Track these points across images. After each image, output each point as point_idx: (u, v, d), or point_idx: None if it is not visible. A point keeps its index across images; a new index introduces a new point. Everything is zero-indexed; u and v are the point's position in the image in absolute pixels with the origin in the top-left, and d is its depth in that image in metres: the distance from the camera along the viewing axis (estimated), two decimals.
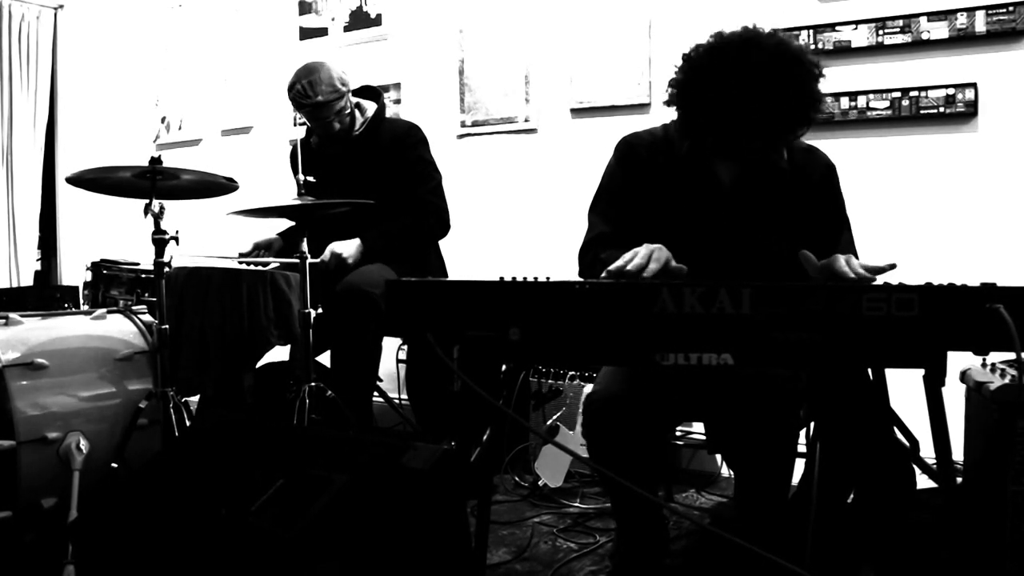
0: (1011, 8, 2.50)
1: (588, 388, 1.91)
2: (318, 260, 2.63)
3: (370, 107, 2.90)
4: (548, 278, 1.32)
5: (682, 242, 1.73)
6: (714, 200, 1.79)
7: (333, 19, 3.92)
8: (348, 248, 2.69)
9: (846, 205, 1.88)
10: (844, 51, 2.75)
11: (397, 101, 3.71)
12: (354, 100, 2.85)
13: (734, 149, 1.69)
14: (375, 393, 2.83)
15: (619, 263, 1.50)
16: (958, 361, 1.58)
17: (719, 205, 1.79)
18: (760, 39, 1.58)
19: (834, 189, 1.86)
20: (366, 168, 2.81)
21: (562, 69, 3.32)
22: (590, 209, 1.88)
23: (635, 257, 1.51)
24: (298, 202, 2.40)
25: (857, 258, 1.79)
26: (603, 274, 1.51)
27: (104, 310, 2.41)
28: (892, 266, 1.47)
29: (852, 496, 1.77)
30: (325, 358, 2.80)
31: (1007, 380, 1.71)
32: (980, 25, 2.55)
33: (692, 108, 1.66)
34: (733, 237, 1.78)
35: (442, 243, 2.96)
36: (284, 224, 3.03)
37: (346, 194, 2.67)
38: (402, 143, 2.82)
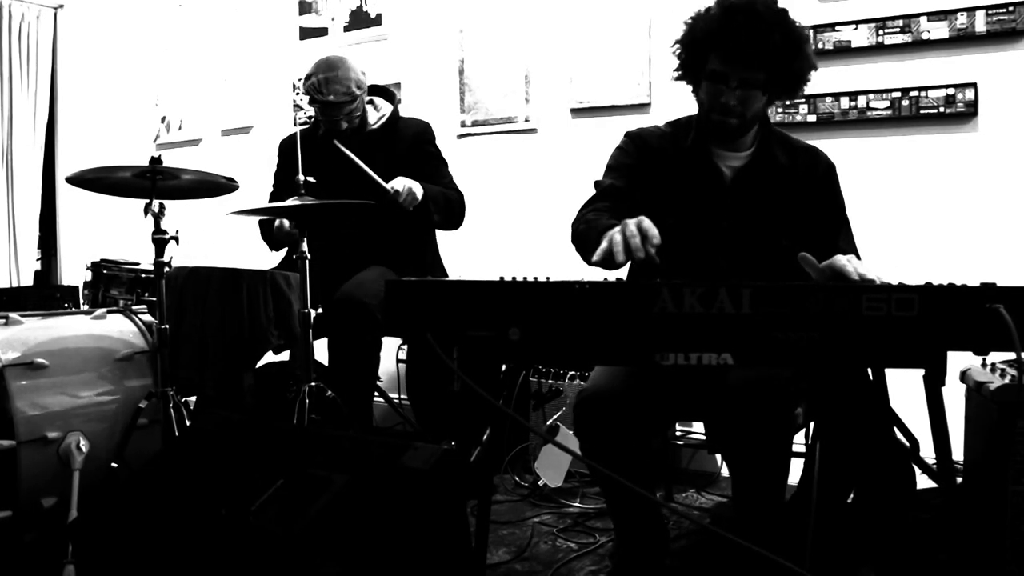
0: (1011, 8, 2.50)
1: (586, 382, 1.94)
2: (388, 187, 2.55)
3: (385, 105, 2.93)
4: (548, 278, 1.32)
5: (683, 233, 1.77)
6: (715, 193, 1.83)
7: (333, 19, 3.92)
8: (415, 185, 2.63)
9: (846, 205, 1.90)
10: (844, 51, 2.75)
11: (397, 101, 3.71)
12: (367, 98, 2.87)
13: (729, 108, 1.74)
14: (375, 394, 2.83)
15: (601, 251, 1.49)
16: (958, 361, 1.58)
17: (720, 198, 1.83)
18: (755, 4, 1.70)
19: (834, 188, 1.89)
20: (385, 163, 2.81)
21: (562, 69, 3.32)
22: (595, 182, 1.91)
23: (612, 244, 1.48)
24: (298, 202, 2.40)
25: (859, 257, 1.80)
26: (595, 257, 1.50)
27: (104, 310, 2.41)
28: (873, 282, 1.46)
29: (852, 496, 1.76)
30: (325, 358, 2.80)
31: (1007, 380, 1.71)
32: (980, 25, 2.55)
33: (694, 61, 1.78)
34: (733, 230, 1.81)
35: (442, 242, 2.97)
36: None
37: (362, 189, 2.64)
38: (423, 138, 2.87)
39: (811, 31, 2.78)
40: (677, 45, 1.81)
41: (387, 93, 2.99)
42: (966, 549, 1.72)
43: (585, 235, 1.68)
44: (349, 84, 2.71)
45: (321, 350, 2.69)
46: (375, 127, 2.87)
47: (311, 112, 2.82)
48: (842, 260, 1.52)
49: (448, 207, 2.79)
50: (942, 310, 1.24)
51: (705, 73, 1.76)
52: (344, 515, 1.42)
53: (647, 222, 1.50)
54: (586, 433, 1.68)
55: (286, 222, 2.72)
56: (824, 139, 1.97)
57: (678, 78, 1.85)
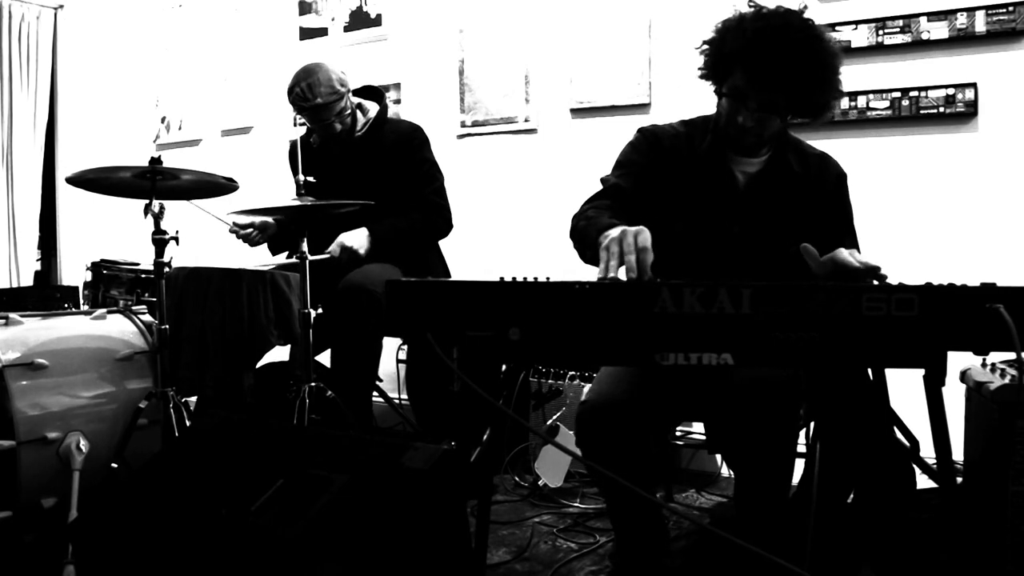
0: (1011, 8, 2.50)
1: (588, 388, 1.92)
2: (326, 255, 2.63)
3: (372, 108, 2.90)
4: (548, 278, 1.32)
5: (692, 237, 1.77)
6: (728, 198, 1.82)
7: (333, 19, 3.92)
8: (358, 239, 2.68)
9: (853, 212, 1.89)
10: (844, 51, 2.74)
11: (397, 101, 3.71)
12: (355, 100, 2.85)
13: (759, 113, 1.71)
14: (375, 393, 2.83)
15: (600, 270, 1.46)
16: (958, 361, 1.58)
17: (733, 204, 1.81)
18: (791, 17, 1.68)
19: (843, 198, 1.88)
20: (369, 168, 2.81)
21: (562, 69, 3.32)
22: (602, 179, 1.87)
23: (609, 258, 1.45)
24: (298, 202, 2.40)
25: None
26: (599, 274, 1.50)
27: (104, 310, 2.41)
28: (876, 268, 1.47)
29: (852, 496, 1.76)
30: (325, 358, 2.80)
31: (1007, 380, 1.71)
32: (980, 25, 2.55)
33: (722, 66, 1.73)
34: (743, 236, 1.80)
35: (442, 243, 2.96)
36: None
37: (349, 194, 2.67)
38: (407, 144, 2.83)
39: None
40: (705, 45, 1.76)
41: (375, 93, 2.97)
42: (966, 549, 1.72)
43: (584, 231, 1.65)
44: (332, 84, 2.71)
45: (319, 352, 2.69)
46: (360, 133, 2.85)
47: None
48: (844, 253, 1.53)
49: (414, 236, 2.79)
50: (942, 310, 1.24)
51: (727, 86, 1.73)
52: (344, 515, 1.42)
53: (644, 236, 1.45)
54: (589, 444, 1.67)
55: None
56: (824, 139, 1.97)
57: (702, 77, 1.79)
